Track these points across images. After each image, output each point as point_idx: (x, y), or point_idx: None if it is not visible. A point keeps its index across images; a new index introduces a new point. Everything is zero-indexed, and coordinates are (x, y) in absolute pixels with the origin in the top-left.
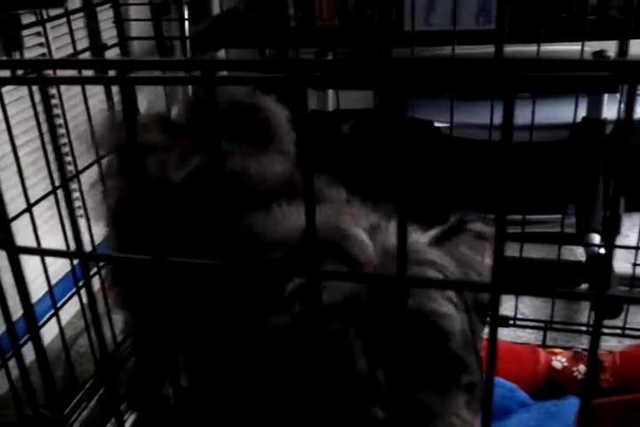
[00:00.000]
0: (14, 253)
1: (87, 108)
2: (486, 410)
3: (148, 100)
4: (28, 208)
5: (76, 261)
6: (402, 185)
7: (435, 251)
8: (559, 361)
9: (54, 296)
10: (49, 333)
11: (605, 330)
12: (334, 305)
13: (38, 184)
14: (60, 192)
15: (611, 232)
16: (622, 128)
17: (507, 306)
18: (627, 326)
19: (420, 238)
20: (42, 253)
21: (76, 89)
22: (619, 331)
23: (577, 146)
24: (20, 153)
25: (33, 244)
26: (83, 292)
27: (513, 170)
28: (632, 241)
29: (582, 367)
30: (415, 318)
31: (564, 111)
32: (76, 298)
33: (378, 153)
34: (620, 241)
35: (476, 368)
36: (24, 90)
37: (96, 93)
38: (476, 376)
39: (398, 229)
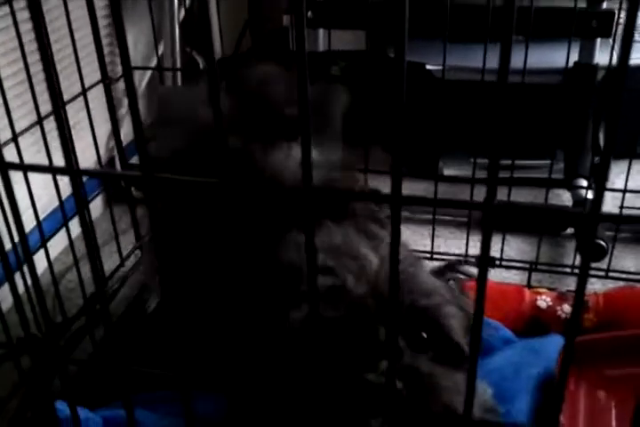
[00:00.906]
0: (3, 169)
1: (73, 42)
2: (474, 348)
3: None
4: (14, 138)
5: (65, 195)
6: (396, 127)
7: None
8: (544, 300)
9: (43, 230)
10: (36, 267)
11: (591, 271)
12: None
13: (25, 117)
14: (46, 124)
15: (604, 163)
16: (619, 63)
17: (493, 248)
18: (610, 268)
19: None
20: (31, 168)
21: (62, 21)
22: (602, 273)
23: (568, 91)
24: (5, 85)
25: (19, 177)
26: (71, 225)
27: (506, 110)
28: (618, 187)
29: (566, 307)
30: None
31: (557, 56)
32: (63, 234)
33: (368, 96)
34: (606, 186)
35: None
36: (8, 20)
37: (82, 26)
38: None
39: (393, 169)
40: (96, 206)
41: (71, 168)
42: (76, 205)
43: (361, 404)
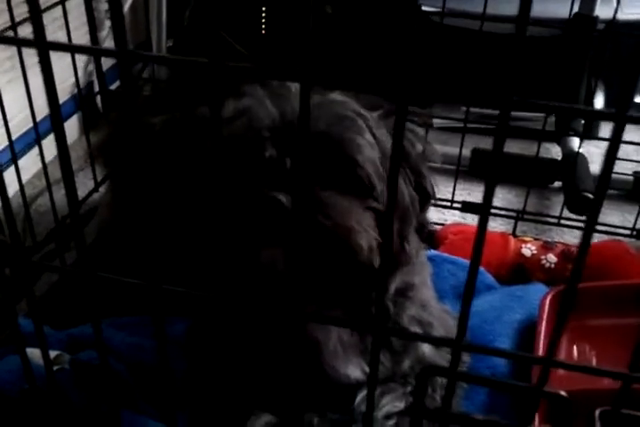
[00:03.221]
0: None
1: None
2: (467, 295)
3: None
4: None
5: (41, 116)
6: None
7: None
8: (529, 249)
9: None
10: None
11: (576, 224)
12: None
13: None
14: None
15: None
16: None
17: (479, 197)
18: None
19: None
20: None
21: None
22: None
23: (566, 42)
24: None
25: None
26: (46, 151)
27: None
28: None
29: (551, 256)
30: (327, 142)
31: (557, 6)
32: (36, 158)
33: (360, 34)
34: (596, 144)
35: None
36: None
37: None
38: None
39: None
40: (72, 132)
41: (40, 40)
42: (45, 88)
43: (255, 213)
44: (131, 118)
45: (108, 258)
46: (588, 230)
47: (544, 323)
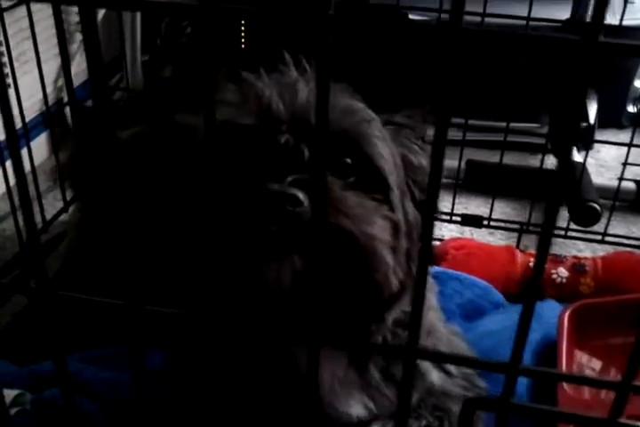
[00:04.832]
0: None
1: None
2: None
3: None
4: None
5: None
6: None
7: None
8: None
9: None
10: None
11: (584, 235)
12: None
13: None
14: None
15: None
16: None
17: (478, 210)
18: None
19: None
20: None
21: None
22: (599, 237)
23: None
24: None
25: None
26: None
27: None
28: (603, 156)
29: (562, 270)
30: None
31: (551, 11)
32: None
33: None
34: (591, 155)
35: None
36: None
37: None
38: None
39: None
40: (40, 151)
41: None
42: None
43: (262, 213)
44: (98, 133)
45: (78, 282)
46: None
47: (565, 341)
